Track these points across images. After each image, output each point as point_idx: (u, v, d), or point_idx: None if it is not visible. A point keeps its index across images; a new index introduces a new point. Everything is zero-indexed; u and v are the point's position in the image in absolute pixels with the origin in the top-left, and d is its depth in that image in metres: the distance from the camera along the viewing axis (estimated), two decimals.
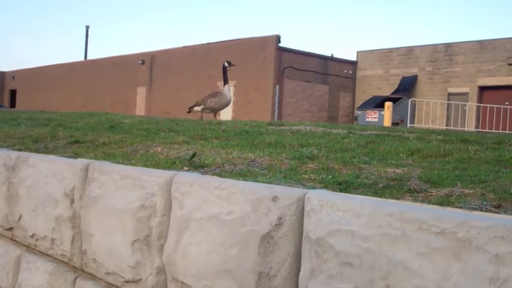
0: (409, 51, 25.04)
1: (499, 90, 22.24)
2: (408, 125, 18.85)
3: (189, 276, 2.16)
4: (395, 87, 24.55)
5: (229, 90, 8.33)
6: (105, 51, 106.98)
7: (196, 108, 8.44)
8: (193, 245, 2.15)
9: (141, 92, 29.40)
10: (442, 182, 2.30)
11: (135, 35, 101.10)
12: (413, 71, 24.64)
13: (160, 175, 2.39)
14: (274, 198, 1.86)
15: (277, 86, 23.15)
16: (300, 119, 22.34)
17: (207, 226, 2.10)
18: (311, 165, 2.83)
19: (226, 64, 8.57)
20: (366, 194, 2.11)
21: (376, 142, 3.84)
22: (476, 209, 1.81)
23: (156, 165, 2.97)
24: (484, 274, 1.29)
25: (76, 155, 3.64)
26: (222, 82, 8.44)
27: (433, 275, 1.38)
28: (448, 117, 22.51)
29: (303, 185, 2.34)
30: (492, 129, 17.60)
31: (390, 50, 25.81)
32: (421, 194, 2.12)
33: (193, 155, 3.07)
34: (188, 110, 8.65)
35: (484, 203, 1.91)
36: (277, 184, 2.22)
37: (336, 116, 25.92)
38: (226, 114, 24.28)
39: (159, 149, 3.60)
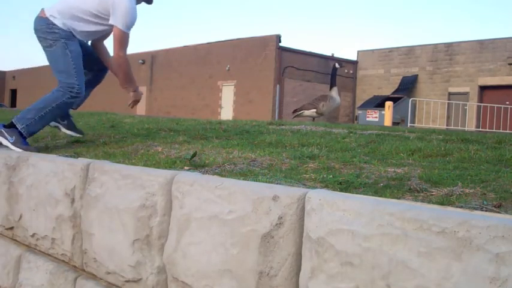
0: (410, 50, 25.04)
1: (499, 89, 22.26)
2: (409, 124, 18.83)
3: (189, 275, 2.16)
4: (395, 86, 24.57)
5: (337, 93, 8.01)
6: None
7: (307, 113, 8.17)
8: (194, 244, 2.15)
9: (142, 92, 29.42)
10: (443, 181, 2.30)
11: (135, 35, 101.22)
12: (414, 70, 24.65)
13: (160, 174, 2.39)
14: (275, 198, 1.86)
15: (278, 86, 23.16)
16: (300, 119, 22.33)
17: (207, 226, 2.10)
18: (311, 165, 2.83)
19: (337, 65, 8.30)
20: (366, 194, 2.11)
21: (377, 142, 3.84)
22: (476, 209, 1.81)
23: (157, 165, 2.97)
24: (485, 274, 1.29)
25: (77, 155, 3.64)
26: (329, 85, 8.02)
27: (433, 275, 1.38)
28: (448, 117, 22.52)
29: (304, 184, 2.34)
30: (493, 129, 17.59)
31: (391, 50, 25.81)
32: (422, 194, 2.12)
33: (194, 155, 3.08)
34: (296, 114, 8.33)
35: (485, 202, 1.91)
36: (277, 184, 2.22)
37: (337, 115, 25.93)
38: (226, 114, 24.27)
39: (160, 149, 3.60)
